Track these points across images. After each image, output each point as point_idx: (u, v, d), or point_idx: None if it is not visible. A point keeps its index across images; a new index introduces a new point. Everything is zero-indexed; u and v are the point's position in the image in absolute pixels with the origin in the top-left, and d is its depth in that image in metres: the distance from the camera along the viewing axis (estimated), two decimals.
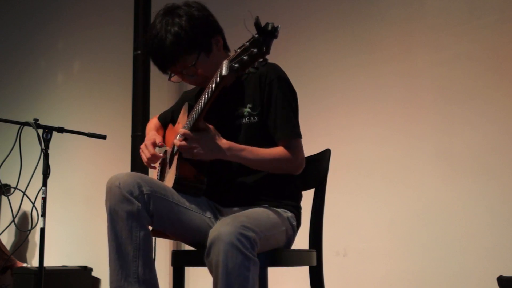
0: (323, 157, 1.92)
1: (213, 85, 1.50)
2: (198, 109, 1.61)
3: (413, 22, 2.86)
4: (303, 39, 3.27)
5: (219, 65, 1.74)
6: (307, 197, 1.91)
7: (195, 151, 1.59)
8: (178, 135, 1.65)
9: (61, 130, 2.56)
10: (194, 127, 1.60)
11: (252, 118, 1.74)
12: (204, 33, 1.73)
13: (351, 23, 3.11)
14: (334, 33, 3.17)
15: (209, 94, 1.52)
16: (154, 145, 1.85)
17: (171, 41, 1.68)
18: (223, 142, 1.63)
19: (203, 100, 1.57)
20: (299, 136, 1.74)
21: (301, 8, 3.35)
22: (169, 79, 1.83)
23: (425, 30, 2.81)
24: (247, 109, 1.75)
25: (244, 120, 1.75)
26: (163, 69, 1.78)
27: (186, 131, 1.60)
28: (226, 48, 1.85)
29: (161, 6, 1.83)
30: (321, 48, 3.22)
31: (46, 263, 2.49)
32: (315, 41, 3.25)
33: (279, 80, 1.75)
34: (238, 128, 1.75)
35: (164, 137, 2.02)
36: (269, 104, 1.73)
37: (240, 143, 1.68)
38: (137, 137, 3.71)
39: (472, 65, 2.62)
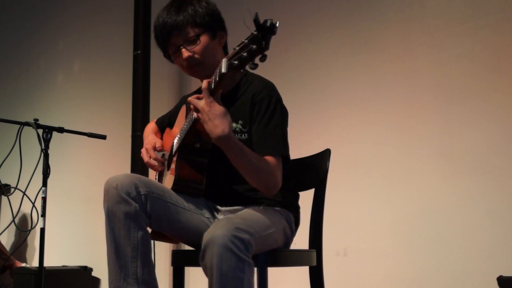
0: (323, 157, 1.92)
1: (213, 83, 1.50)
2: None
3: (413, 22, 2.86)
4: (303, 39, 3.27)
5: (215, 57, 1.76)
6: (307, 197, 1.91)
7: (205, 117, 1.51)
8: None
9: (61, 130, 2.56)
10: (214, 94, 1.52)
11: (243, 135, 1.73)
12: (214, 20, 1.79)
13: (351, 23, 3.11)
14: (334, 33, 3.17)
15: (212, 86, 1.52)
16: (155, 148, 1.86)
17: (185, 13, 1.74)
18: (229, 127, 1.54)
19: None
20: (285, 156, 1.70)
21: (301, 8, 3.35)
22: (165, 55, 1.85)
23: (425, 30, 2.81)
24: (239, 125, 1.73)
25: (236, 136, 1.72)
26: (166, 39, 1.78)
27: (210, 97, 1.51)
28: (226, 51, 1.86)
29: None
30: (321, 48, 3.22)
31: (46, 263, 2.49)
32: (315, 41, 3.25)
33: (270, 98, 1.73)
34: None
35: (161, 140, 2.02)
36: (256, 119, 1.71)
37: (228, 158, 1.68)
38: (137, 137, 3.72)
39: (472, 65, 2.62)
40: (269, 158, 1.65)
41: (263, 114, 1.71)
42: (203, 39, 1.75)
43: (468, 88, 2.62)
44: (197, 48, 1.74)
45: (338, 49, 3.14)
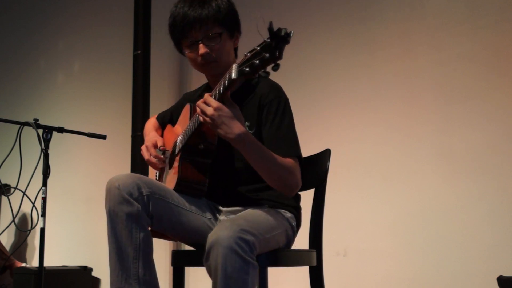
0: (323, 157, 1.92)
1: (221, 88, 1.50)
2: None
3: (413, 22, 2.86)
4: (303, 39, 3.26)
5: (229, 58, 1.76)
6: (307, 197, 1.91)
7: (218, 122, 1.50)
8: (203, 103, 1.54)
9: (61, 130, 2.56)
10: (220, 101, 1.52)
11: None
12: (235, 20, 1.79)
13: (351, 23, 3.11)
14: (334, 33, 3.17)
15: (216, 97, 1.52)
16: (156, 147, 1.85)
17: (210, 7, 1.71)
18: (243, 126, 1.55)
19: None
20: (300, 157, 1.71)
21: (301, 8, 3.35)
22: (179, 46, 1.82)
23: (425, 30, 2.81)
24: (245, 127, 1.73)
25: None
26: (186, 29, 1.74)
27: (216, 101, 1.51)
28: (236, 52, 1.86)
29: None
30: (321, 48, 3.22)
31: (46, 263, 2.48)
32: (315, 41, 3.24)
33: (279, 100, 1.73)
34: None
35: (162, 137, 2.02)
36: (267, 121, 1.71)
37: (234, 157, 1.68)
38: (137, 137, 3.72)
39: (472, 65, 2.62)
40: (287, 159, 1.65)
41: (274, 116, 1.71)
42: (223, 38, 1.74)
43: (468, 88, 2.62)
44: (216, 46, 1.73)
45: (338, 49, 3.14)
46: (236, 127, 1.51)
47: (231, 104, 1.54)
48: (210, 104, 1.51)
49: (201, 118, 1.55)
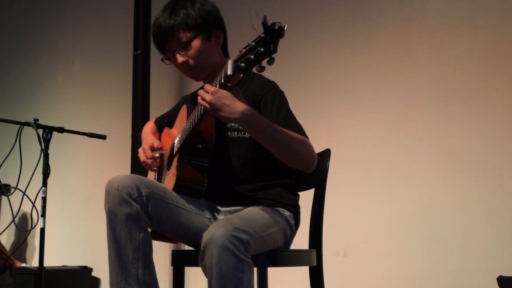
0: (323, 157, 1.92)
1: (217, 85, 1.50)
2: (200, 110, 1.61)
3: (413, 22, 2.86)
4: (303, 39, 3.27)
5: (212, 59, 1.77)
6: (307, 197, 1.91)
7: (217, 105, 1.49)
8: (204, 91, 1.53)
9: (61, 130, 2.56)
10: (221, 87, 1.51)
11: (246, 134, 1.73)
12: (209, 21, 1.77)
13: (351, 23, 3.11)
14: (334, 33, 3.17)
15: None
16: (152, 148, 1.86)
17: (177, 17, 1.73)
18: (245, 103, 1.53)
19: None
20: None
21: (301, 8, 3.35)
22: (162, 59, 1.84)
23: (425, 30, 2.81)
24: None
25: (236, 134, 1.74)
26: (162, 44, 1.79)
27: (214, 87, 1.50)
28: (225, 50, 1.85)
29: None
30: (321, 48, 3.22)
31: (46, 263, 2.48)
32: (315, 41, 3.25)
33: (274, 92, 1.74)
34: (231, 141, 1.75)
35: (159, 140, 2.02)
36: (266, 110, 1.70)
37: (232, 156, 1.68)
38: (137, 137, 3.71)
39: (472, 65, 2.62)
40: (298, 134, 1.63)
41: (271, 105, 1.71)
42: (195, 44, 1.74)
43: (468, 88, 2.62)
44: (190, 53, 1.74)
45: (338, 49, 3.14)
46: (239, 105, 1.49)
47: (230, 87, 1.52)
48: (207, 91, 1.51)
49: (201, 102, 1.54)
